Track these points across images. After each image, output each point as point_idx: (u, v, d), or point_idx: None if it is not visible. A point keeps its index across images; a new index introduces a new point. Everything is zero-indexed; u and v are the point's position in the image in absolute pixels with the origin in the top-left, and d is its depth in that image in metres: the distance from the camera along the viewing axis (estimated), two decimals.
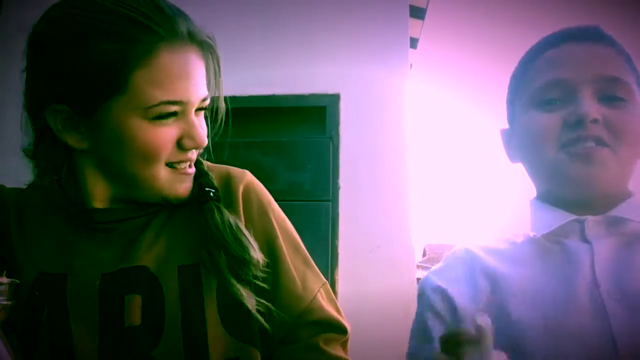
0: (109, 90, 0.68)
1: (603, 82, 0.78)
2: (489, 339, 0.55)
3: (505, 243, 0.86)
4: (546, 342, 0.69)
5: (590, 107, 0.76)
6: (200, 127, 0.75)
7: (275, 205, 0.84)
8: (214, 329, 0.71)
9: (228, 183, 0.82)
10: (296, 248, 0.83)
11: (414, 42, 3.33)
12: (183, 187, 0.76)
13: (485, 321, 0.55)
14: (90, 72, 0.67)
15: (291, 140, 2.38)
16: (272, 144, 2.37)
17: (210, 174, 0.82)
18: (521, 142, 0.86)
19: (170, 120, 0.71)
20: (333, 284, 2.20)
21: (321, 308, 0.81)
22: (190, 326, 0.70)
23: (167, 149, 0.72)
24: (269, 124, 2.44)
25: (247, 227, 0.78)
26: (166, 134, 0.71)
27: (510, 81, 0.91)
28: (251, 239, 0.74)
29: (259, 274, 0.74)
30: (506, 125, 0.93)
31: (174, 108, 0.71)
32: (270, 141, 2.38)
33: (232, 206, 0.79)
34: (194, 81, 0.72)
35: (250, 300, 0.72)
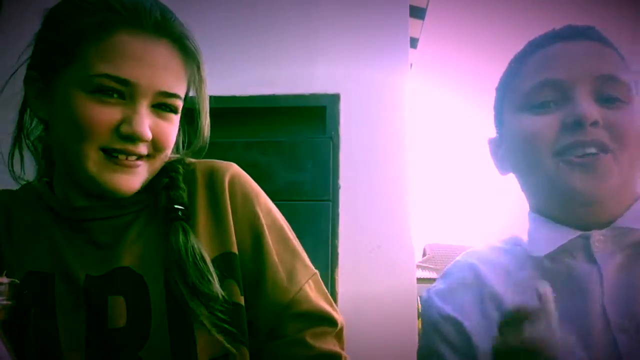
0: (63, 58, 0.69)
1: (600, 81, 0.72)
2: (552, 305, 0.55)
3: (507, 253, 0.81)
4: None
5: (589, 108, 0.70)
6: (143, 118, 0.70)
7: (262, 196, 0.83)
8: (202, 328, 0.70)
9: (213, 177, 0.80)
10: (284, 239, 0.81)
11: (414, 42, 3.32)
12: (120, 178, 0.72)
13: (546, 290, 0.55)
14: (54, 40, 0.70)
15: (291, 140, 2.38)
16: (272, 144, 2.37)
17: (197, 173, 0.80)
18: (511, 150, 0.79)
19: (114, 100, 0.69)
20: (333, 284, 2.20)
21: (308, 300, 0.78)
22: (177, 326, 0.69)
23: (101, 129, 0.69)
24: (269, 124, 2.44)
25: (233, 220, 0.76)
26: (104, 112, 0.69)
27: (498, 87, 0.85)
28: (212, 271, 0.72)
29: (218, 307, 0.71)
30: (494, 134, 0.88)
31: (118, 86, 0.69)
32: (270, 141, 2.38)
33: (218, 200, 0.77)
34: (151, 68, 0.70)
35: (209, 319, 0.70)
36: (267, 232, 0.79)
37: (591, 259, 0.72)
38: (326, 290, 0.84)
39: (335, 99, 2.38)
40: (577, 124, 0.70)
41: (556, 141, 0.73)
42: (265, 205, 0.82)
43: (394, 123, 2.35)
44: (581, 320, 0.68)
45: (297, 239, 0.84)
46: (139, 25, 0.70)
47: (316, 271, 0.83)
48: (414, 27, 3.08)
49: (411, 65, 3.11)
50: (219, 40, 2.46)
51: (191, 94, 0.80)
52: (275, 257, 0.78)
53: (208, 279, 0.70)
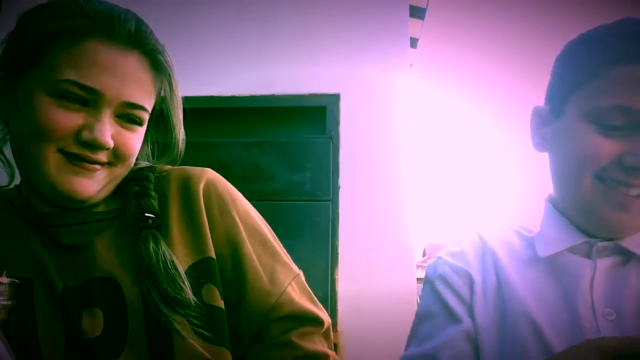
0: (31, 60, 0.69)
1: None
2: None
3: (517, 233, 0.84)
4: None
5: None
6: (105, 126, 0.69)
7: (239, 200, 0.82)
8: (180, 334, 0.70)
9: (187, 185, 0.79)
10: (263, 242, 0.81)
11: (414, 42, 3.33)
12: (78, 182, 0.70)
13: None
14: (24, 41, 0.70)
15: (291, 140, 2.38)
16: (272, 144, 2.37)
17: (170, 180, 0.79)
18: (561, 148, 0.78)
19: (78, 107, 0.68)
20: (333, 284, 2.20)
21: (292, 301, 0.78)
22: (155, 333, 0.69)
23: (61, 132, 0.68)
24: (269, 124, 2.44)
25: (210, 227, 0.76)
26: (66, 117, 0.68)
27: (566, 67, 0.79)
28: (184, 278, 0.71)
29: (192, 312, 0.70)
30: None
31: (83, 93, 0.68)
32: (270, 141, 2.38)
33: (193, 207, 0.77)
34: (119, 79, 0.69)
35: (183, 326, 0.69)
36: (245, 236, 0.79)
37: (588, 256, 0.77)
38: (310, 290, 0.83)
39: (335, 99, 2.38)
40: (634, 170, 0.70)
41: (606, 167, 0.72)
42: (243, 208, 0.81)
43: (394, 123, 2.36)
44: (570, 306, 0.73)
45: (278, 240, 0.83)
46: (111, 35, 0.69)
47: (299, 272, 0.83)
48: (414, 27, 3.08)
49: (411, 65, 3.11)
50: (219, 41, 2.46)
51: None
52: (256, 261, 0.78)
53: (180, 285, 0.69)
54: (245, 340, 0.76)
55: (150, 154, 0.83)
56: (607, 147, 0.72)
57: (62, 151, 0.69)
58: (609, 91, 0.71)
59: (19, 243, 0.73)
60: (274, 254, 0.81)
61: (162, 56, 0.75)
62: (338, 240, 2.28)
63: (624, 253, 0.75)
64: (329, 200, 2.31)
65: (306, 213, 2.28)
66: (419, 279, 2.59)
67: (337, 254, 2.26)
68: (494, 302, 0.77)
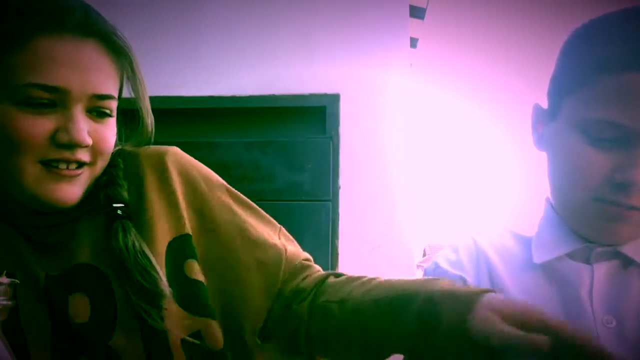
0: None
1: None
2: None
3: (514, 235, 0.83)
4: None
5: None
6: (80, 124, 0.66)
7: (210, 172, 0.82)
8: (169, 309, 0.69)
9: (161, 162, 0.77)
10: (249, 207, 0.81)
11: (414, 42, 3.32)
12: (61, 189, 0.68)
13: None
14: None
15: (291, 140, 2.38)
16: (272, 144, 2.37)
17: (141, 160, 0.77)
18: (555, 154, 0.76)
19: (47, 110, 0.65)
20: None
21: (297, 254, 0.80)
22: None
23: (36, 141, 0.65)
24: (269, 124, 2.44)
25: (190, 204, 0.75)
26: (37, 123, 0.65)
27: (565, 63, 0.75)
28: (157, 268, 0.69)
29: (164, 305, 0.68)
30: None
31: (48, 95, 0.65)
32: (270, 141, 2.38)
33: (166, 184, 0.76)
34: (81, 72, 0.66)
35: (158, 316, 0.68)
36: (238, 209, 0.79)
37: (586, 261, 0.75)
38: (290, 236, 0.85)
39: (335, 99, 2.38)
40: (626, 187, 0.67)
41: (598, 188, 0.69)
42: (217, 179, 0.81)
43: (394, 123, 2.36)
44: (569, 313, 0.71)
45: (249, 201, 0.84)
46: (61, 27, 0.65)
47: (279, 225, 0.84)
48: (414, 27, 3.08)
49: (411, 65, 3.11)
50: (219, 41, 2.46)
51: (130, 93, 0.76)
52: (256, 227, 0.78)
53: (153, 276, 0.68)
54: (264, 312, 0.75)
55: (118, 139, 0.79)
56: (597, 164, 0.69)
57: (41, 162, 0.66)
58: (599, 102, 0.68)
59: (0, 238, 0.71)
60: (258, 215, 0.82)
61: (119, 38, 0.71)
62: (338, 240, 2.28)
63: (623, 258, 0.74)
64: (329, 200, 2.31)
65: (306, 213, 2.28)
66: None
67: (337, 254, 2.26)
68: None
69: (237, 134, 2.43)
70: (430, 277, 0.79)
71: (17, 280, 0.61)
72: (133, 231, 0.70)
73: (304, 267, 0.80)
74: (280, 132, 2.42)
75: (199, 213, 0.77)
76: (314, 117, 2.40)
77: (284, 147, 2.36)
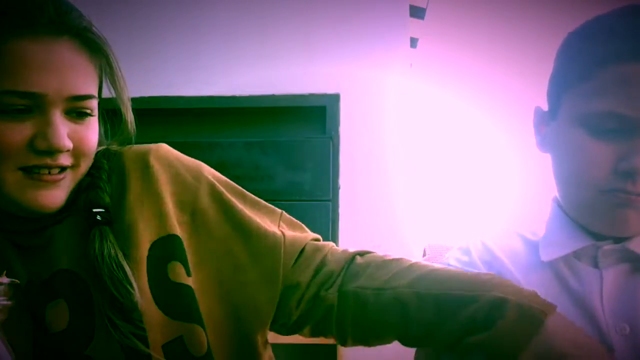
0: None
1: None
2: None
3: (522, 238, 0.82)
4: None
5: None
6: (58, 129, 0.64)
7: (200, 164, 0.79)
8: (150, 314, 0.68)
9: (143, 160, 0.75)
10: (242, 195, 0.80)
11: (414, 42, 3.32)
12: (44, 196, 0.66)
13: None
14: None
15: (291, 140, 2.38)
16: (272, 144, 2.37)
17: (125, 161, 0.74)
18: (558, 154, 0.76)
19: (24, 116, 0.63)
20: None
21: (301, 238, 0.78)
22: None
23: (13, 148, 0.62)
24: (269, 124, 2.44)
25: (179, 201, 0.73)
26: (14, 131, 0.62)
27: (563, 62, 0.76)
28: (132, 280, 0.66)
29: (139, 317, 0.66)
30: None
31: (23, 101, 0.62)
32: (270, 141, 2.38)
33: (153, 185, 0.73)
34: (56, 74, 0.63)
35: (128, 329, 0.66)
36: (228, 197, 0.77)
37: (595, 264, 0.74)
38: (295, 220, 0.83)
39: (335, 99, 2.38)
40: (630, 175, 0.68)
41: (603, 180, 0.70)
42: (208, 170, 0.79)
43: (394, 123, 2.36)
44: (580, 319, 0.70)
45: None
46: (32, 26, 0.62)
47: (280, 210, 0.82)
48: (414, 27, 3.07)
49: (411, 65, 3.11)
50: (219, 41, 2.46)
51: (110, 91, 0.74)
52: (254, 220, 0.76)
53: (127, 289, 0.65)
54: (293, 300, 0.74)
55: (103, 136, 0.77)
56: (601, 156, 0.69)
57: (21, 168, 0.64)
58: (599, 95, 0.68)
59: None
60: (256, 201, 0.80)
61: (94, 34, 0.68)
62: (338, 240, 2.28)
63: (632, 260, 0.73)
64: (329, 200, 2.31)
65: (306, 213, 2.27)
66: None
67: None
68: None
69: (237, 134, 2.43)
70: (479, 273, 0.76)
71: (17, 281, 0.61)
72: (111, 238, 0.68)
73: (315, 249, 0.77)
74: (280, 132, 2.42)
75: (190, 209, 0.74)
76: (314, 117, 2.40)
77: (284, 147, 2.36)
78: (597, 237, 0.75)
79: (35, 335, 0.67)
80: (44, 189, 0.66)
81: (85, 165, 0.70)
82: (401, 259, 0.75)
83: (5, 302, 0.59)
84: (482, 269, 0.80)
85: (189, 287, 0.71)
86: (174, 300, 0.69)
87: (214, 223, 0.75)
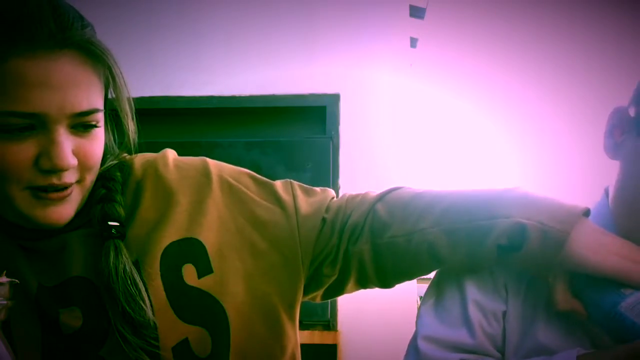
0: None
1: None
2: None
3: None
4: None
5: None
6: (62, 147, 0.62)
7: (207, 165, 0.79)
8: (163, 317, 0.68)
9: (154, 167, 0.75)
10: (253, 178, 0.81)
11: (414, 42, 3.32)
12: (53, 212, 0.65)
13: None
14: None
15: (291, 140, 2.38)
16: (272, 144, 2.37)
17: (132, 166, 0.75)
18: (638, 176, 0.69)
19: (27, 134, 0.61)
20: None
21: (318, 207, 0.78)
22: None
23: (18, 169, 0.62)
24: (269, 124, 2.44)
25: (200, 206, 0.73)
26: (18, 151, 0.61)
27: None
28: (145, 296, 0.66)
29: (152, 334, 0.66)
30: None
31: (24, 121, 0.60)
32: (270, 141, 2.38)
33: (167, 189, 0.74)
34: (58, 92, 0.61)
35: (138, 344, 0.66)
36: (239, 188, 0.76)
37: None
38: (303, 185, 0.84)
39: (335, 99, 2.38)
40: None
41: None
42: (218, 165, 0.80)
43: (394, 123, 2.36)
44: None
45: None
46: (31, 42, 0.60)
47: (290, 181, 0.83)
48: (414, 27, 3.08)
49: (411, 65, 3.11)
50: (219, 41, 2.46)
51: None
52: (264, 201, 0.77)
53: (140, 305, 0.65)
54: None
55: (112, 144, 0.76)
56: None
57: (29, 187, 0.64)
58: None
59: None
60: (265, 183, 0.80)
61: (95, 45, 0.65)
62: None
63: None
64: None
65: None
66: (419, 279, 2.58)
67: None
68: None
69: (237, 134, 2.43)
70: (499, 191, 0.73)
71: (16, 280, 0.61)
72: (125, 253, 0.68)
73: (335, 212, 0.77)
74: (280, 132, 2.42)
75: (204, 207, 0.75)
76: (314, 117, 2.41)
77: (284, 147, 2.36)
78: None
79: (45, 337, 0.67)
80: (52, 206, 0.65)
81: (90, 179, 0.70)
82: (420, 193, 0.76)
83: (5, 302, 0.59)
84: None
85: (202, 290, 0.71)
86: (188, 303, 0.70)
87: (229, 216, 0.75)
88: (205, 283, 0.72)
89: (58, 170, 0.63)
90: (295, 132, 2.41)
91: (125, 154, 0.78)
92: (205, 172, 0.76)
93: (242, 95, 2.41)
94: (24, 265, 0.69)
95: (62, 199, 0.65)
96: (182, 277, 0.70)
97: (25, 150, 0.62)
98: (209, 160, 0.79)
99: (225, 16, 2.46)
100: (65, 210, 0.66)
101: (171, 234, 0.72)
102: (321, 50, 2.43)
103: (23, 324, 0.67)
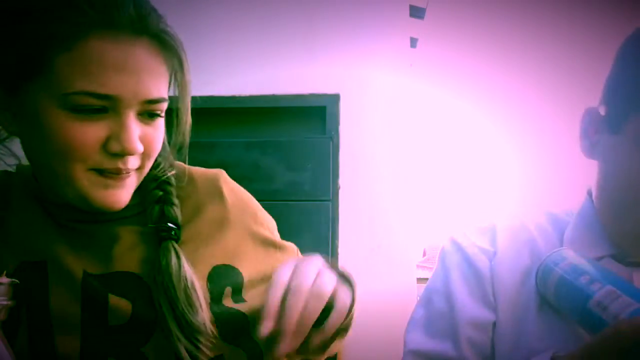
0: (28, 69, 0.62)
1: None
2: None
3: (548, 218, 0.78)
4: None
5: None
6: (132, 132, 0.64)
7: (255, 206, 0.85)
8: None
9: (213, 186, 0.79)
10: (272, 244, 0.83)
11: (414, 42, 3.32)
12: (111, 195, 0.66)
13: None
14: (15, 47, 0.63)
15: (291, 140, 2.38)
16: (272, 144, 2.37)
17: (196, 182, 0.78)
18: (613, 172, 0.70)
19: (98, 116, 0.63)
20: None
21: None
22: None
23: (87, 149, 0.63)
24: (269, 124, 2.44)
25: (233, 231, 0.76)
26: (89, 131, 0.62)
27: (625, 70, 0.69)
28: (202, 301, 0.67)
29: (204, 341, 0.66)
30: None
31: (99, 102, 0.62)
32: (270, 141, 2.38)
33: (221, 211, 0.77)
34: (133, 76, 0.63)
35: (186, 345, 0.66)
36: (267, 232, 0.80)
37: (625, 262, 0.72)
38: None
39: (335, 99, 2.38)
40: None
41: None
42: (256, 207, 0.84)
43: (394, 123, 2.36)
44: None
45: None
46: (112, 25, 0.61)
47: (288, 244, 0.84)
48: (414, 27, 3.08)
49: (411, 65, 3.10)
50: (219, 41, 2.46)
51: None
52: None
53: (197, 309, 0.66)
54: None
55: (166, 142, 0.78)
56: None
57: (93, 169, 0.65)
58: None
59: (33, 225, 0.71)
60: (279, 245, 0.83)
61: (170, 36, 0.68)
62: (338, 240, 2.28)
63: None
64: (329, 200, 2.31)
65: (306, 213, 2.28)
66: (419, 279, 2.59)
67: (337, 254, 2.26)
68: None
69: (237, 134, 2.43)
70: None
71: (16, 280, 0.61)
72: (184, 257, 0.69)
73: None
74: (280, 132, 2.42)
75: (247, 237, 0.78)
76: (314, 117, 2.41)
77: (284, 147, 2.36)
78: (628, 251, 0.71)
79: (87, 325, 0.67)
80: (111, 189, 0.66)
81: (148, 167, 0.71)
82: None
83: (5, 302, 0.59)
84: (506, 253, 0.76)
85: (241, 313, 0.72)
86: (226, 322, 0.70)
87: (255, 250, 0.78)
88: (241, 308, 0.73)
89: (126, 154, 0.65)
90: (295, 132, 2.41)
91: (180, 163, 0.80)
92: (252, 213, 0.81)
93: (242, 95, 2.41)
94: (66, 251, 0.69)
95: (121, 182, 0.67)
96: (222, 297, 0.72)
97: (95, 132, 0.63)
98: (250, 195, 0.84)
99: (225, 16, 2.46)
100: (123, 194, 0.68)
101: (218, 257, 0.74)
102: (321, 50, 2.43)
103: (64, 308, 0.66)
